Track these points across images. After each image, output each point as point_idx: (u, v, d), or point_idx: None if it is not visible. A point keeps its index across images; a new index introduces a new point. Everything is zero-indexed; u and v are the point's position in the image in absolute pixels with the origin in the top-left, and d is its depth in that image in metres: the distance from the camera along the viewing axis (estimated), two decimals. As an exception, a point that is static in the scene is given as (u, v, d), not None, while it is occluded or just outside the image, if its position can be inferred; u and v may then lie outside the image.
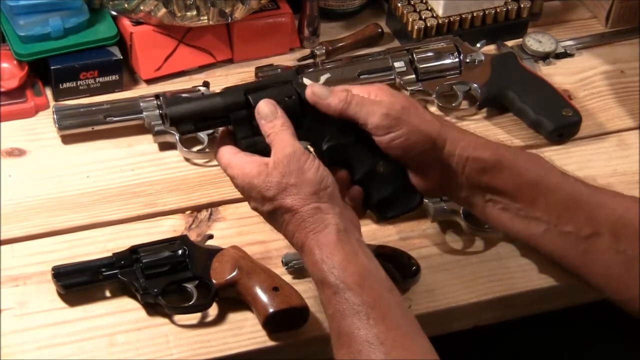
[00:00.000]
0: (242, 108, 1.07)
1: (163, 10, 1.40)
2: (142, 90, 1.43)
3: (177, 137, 1.34)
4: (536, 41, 1.54)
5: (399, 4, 1.54)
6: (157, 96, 1.37)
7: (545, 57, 1.53)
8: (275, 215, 1.04)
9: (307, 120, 1.08)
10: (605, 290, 1.07)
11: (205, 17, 1.42)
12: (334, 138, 1.09)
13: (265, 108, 1.05)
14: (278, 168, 1.02)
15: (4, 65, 1.40)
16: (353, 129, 1.08)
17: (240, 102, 1.08)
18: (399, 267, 1.20)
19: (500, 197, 1.08)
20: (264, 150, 1.06)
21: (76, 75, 1.40)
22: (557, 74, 1.51)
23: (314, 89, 1.07)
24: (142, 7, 1.41)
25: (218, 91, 1.13)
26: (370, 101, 1.07)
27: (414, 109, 1.07)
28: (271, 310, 1.12)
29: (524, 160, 1.10)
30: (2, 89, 1.37)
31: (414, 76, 1.45)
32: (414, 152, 1.06)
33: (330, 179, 1.03)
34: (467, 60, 1.46)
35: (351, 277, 0.97)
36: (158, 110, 1.36)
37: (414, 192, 1.11)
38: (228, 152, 1.06)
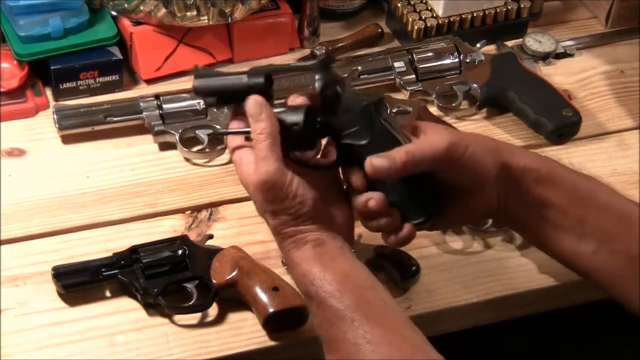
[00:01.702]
0: (262, 90, 1.05)
1: (163, 10, 1.40)
2: (142, 90, 1.43)
3: (177, 137, 1.34)
4: (536, 41, 1.54)
5: (399, 4, 1.54)
6: (157, 96, 1.37)
7: (545, 57, 1.53)
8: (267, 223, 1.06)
9: (323, 116, 1.05)
10: None
11: (205, 17, 1.42)
12: (350, 136, 1.05)
13: (251, 107, 1.02)
14: (258, 191, 1.01)
15: (4, 65, 1.40)
16: (372, 126, 1.05)
17: (261, 84, 1.05)
18: (398, 267, 1.20)
19: (554, 212, 1.06)
20: None
21: (76, 75, 1.40)
22: (557, 74, 1.51)
23: (373, 163, 1.02)
24: (142, 7, 1.41)
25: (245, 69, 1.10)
26: (428, 142, 1.03)
27: (458, 130, 1.07)
28: (271, 310, 1.12)
29: (575, 175, 1.09)
30: (2, 89, 1.37)
31: (413, 76, 1.45)
32: (480, 166, 1.04)
33: (309, 199, 1.01)
34: (467, 60, 1.46)
35: (330, 285, 0.99)
36: (158, 111, 1.36)
37: (426, 207, 1.06)
38: (235, 145, 1.06)
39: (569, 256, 1.08)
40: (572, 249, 1.07)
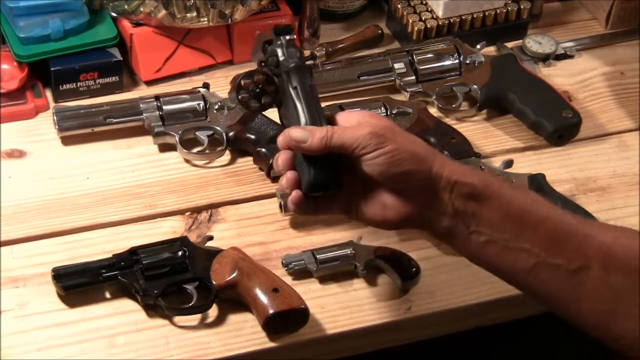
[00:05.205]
0: None
1: (163, 11, 1.40)
2: (142, 91, 1.43)
3: (177, 139, 1.34)
4: (536, 42, 1.54)
5: (399, 6, 1.54)
6: (157, 97, 1.37)
7: (545, 58, 1.53)
8: None
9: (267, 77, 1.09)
10: (594, 328, 1.02)
11: (205, 19, 1.42)
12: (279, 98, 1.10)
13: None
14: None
15: (4, 66, 1.40)
16: (285, 92, 1.07)
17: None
18: (399, 268, 1.20)
19: (486, 227, 1.02)
20: None
21: (76, 76, 1.40)
22: (557, 75, 1.51)
23: (292, 134, 1.02)
24: (142, 9, 1.41)
25: None
26: (351, 128, 1.02)
27: (398, 130, 1.04)
28: (271, 311, 1.12)
29: (511, 189, 1.05)
30: (2, 91, 1.37)
31: (414, 77, 1.45)
32: (400, 169, 1.01)
33: None
34: (467, 62, 1.46)
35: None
36: (158, 112, 1.36)
37: (315, 179, 1.03)
38: None
39: (506, 270, 1.04)
40: (509, 263, 1.02)
